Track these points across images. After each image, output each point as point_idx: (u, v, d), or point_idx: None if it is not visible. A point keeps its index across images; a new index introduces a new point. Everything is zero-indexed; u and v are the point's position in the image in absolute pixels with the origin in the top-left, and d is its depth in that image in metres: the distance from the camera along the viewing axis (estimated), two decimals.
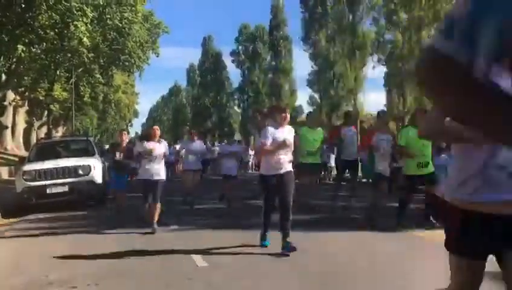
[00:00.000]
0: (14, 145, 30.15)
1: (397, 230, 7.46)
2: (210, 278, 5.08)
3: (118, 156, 9.22)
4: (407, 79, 26.65)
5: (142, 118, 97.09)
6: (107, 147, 16.36)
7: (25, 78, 25.85)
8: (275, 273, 5.23)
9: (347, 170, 10.40)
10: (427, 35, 25.98)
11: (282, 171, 6.12)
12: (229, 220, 9.23)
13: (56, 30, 20.85)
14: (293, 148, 6.35)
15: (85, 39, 20.67)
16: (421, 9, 25.93)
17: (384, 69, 32.98)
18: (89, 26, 21.58)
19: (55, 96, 29.62)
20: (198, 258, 5.94)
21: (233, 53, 57.22)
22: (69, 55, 24.48)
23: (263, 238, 6.40)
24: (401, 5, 27.11)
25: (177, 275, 5.25)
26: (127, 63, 29.32)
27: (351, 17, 36.75)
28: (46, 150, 13.36)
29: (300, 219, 7.63)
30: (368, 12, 36.32)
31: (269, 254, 6.01)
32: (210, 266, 5.61)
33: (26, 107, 31.89)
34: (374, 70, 45.93)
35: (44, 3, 19.22)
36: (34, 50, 21.76)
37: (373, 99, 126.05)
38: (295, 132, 6.71)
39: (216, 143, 28.33)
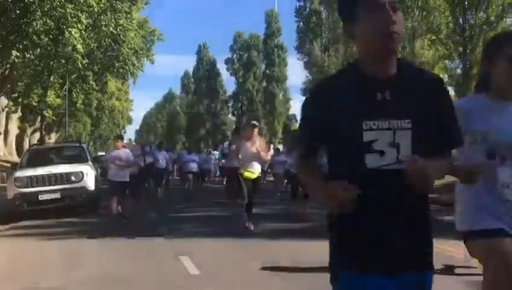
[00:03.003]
0: (7, 151, 29.96)
1: None
2: (201, 286, 5.07)
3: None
4: None
5: (136, 125, 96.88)
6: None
7: (19, 83, 25.75)
8: (268, 285, 5.21)
9: None
10: (420, 45, 26.20)
11: None
12: (224, 227, 9.20)
13: (50, 36, 20.81)
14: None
15: (79, 46, 20.65)
16: (414, 21, 26.15)
17: None
18: (84, 32, 21.56)
19: (49, 102, 29.50)
20: (190, 266, 5.92)
21: (227, 61, 57.40)
22: (63, 61, 24.43)
23: None
24: None
25: (169, 283, 5.23)
26: (121, 70, 29.30)
27: None
28: (38, 156, 13.28)
29: None
30: None
31: (263, 263, 5.98)
32: (202, 274, 5.58)
33: (19, 113, 31.73)
34: None
35: (39, 10, 19.19)
36: (28, 56, 21.69)
37: None
38: None
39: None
